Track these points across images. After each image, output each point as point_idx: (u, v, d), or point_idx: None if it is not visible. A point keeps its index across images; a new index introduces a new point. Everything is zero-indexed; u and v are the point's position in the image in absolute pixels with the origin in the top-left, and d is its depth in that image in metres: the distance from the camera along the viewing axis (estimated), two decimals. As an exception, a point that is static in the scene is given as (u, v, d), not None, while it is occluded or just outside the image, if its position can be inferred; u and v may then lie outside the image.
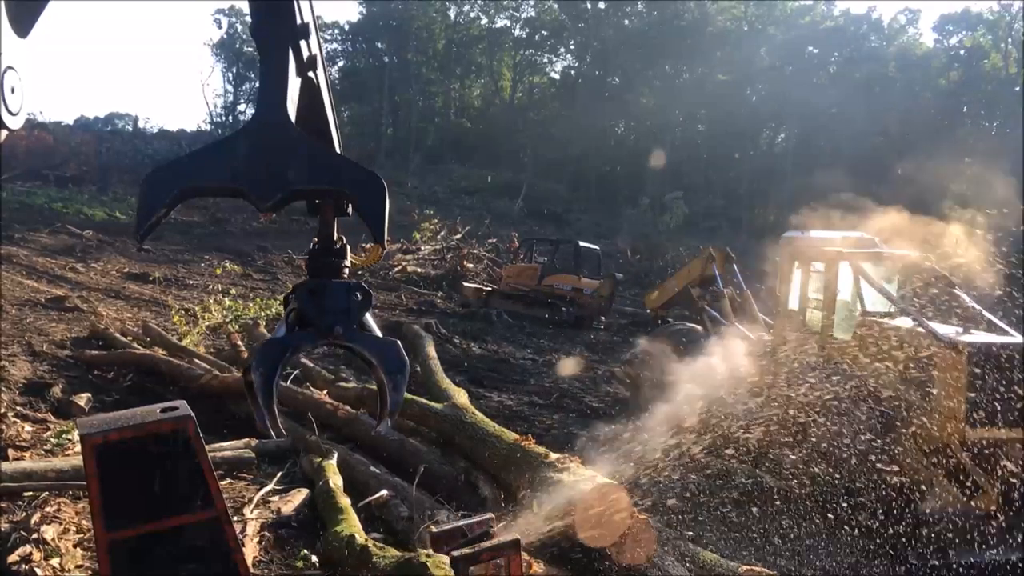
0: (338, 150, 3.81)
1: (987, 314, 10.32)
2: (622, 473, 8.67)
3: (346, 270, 3.47)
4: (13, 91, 1.86)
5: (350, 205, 3.42)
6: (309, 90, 3.53)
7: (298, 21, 3.20)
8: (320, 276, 3.42)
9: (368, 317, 3.46)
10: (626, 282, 32.39)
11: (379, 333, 3.47)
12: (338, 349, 3.61)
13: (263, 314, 18.01)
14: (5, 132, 1.90)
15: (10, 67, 1.85)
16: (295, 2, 3.19)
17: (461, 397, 9.94)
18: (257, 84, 3.30)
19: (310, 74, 3.45)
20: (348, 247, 3.51)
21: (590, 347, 21.86)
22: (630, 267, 38.86)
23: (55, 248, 26.88)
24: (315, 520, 7.08)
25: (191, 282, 24.47)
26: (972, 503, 8.92)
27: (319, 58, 3.49)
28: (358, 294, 3.38)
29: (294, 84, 3.27)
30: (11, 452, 8.06)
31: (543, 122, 73.67)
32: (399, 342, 3.50)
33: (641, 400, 14.05)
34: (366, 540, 5.83)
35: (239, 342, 14.74)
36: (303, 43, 3.26)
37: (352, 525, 6.36)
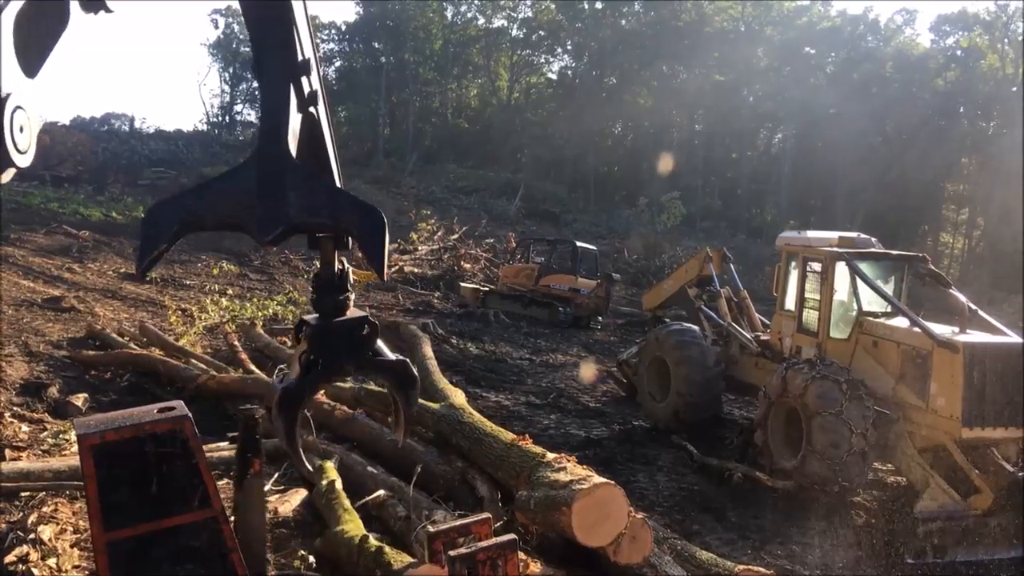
0: (338, 184, 3.86)
1: (983, 313, 10.35)
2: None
3: (351, 302, 3.55)
4: (22, 130, 1.89)
5: (350, 239, 3.49)
6: (310, 124, 3.58)
7: (299, 58, 3.26)
8: (327, 315, 3.50)
9: (379, 343, 3.58)
10: (623, 282, 32.39)
11: (389, 353, 3.55)
12: None
13: (260, 314, 18.01)
14: (13, 170, 1.93)
15: (19, 107, 1.86)
16: (296, 39, 3.23)
17: (458, 397, 9.94)
18: (258, 112, 3.35)
19: (311, 109, 3.49)
20: (350, 272, 3.57)
21: (587, 347, 21.87)
22: (627, 267, 38.84)
23: (51, 248, 26.81)
24: (313, 520, 7.08)
25: (188, 282, 24.45)
26: (968, 502, 8.95)
27: (320, 93, 3.54)
28: (365, 327, 3.50)
29: (295, 119, 3.32)
30: (8, 452, 8.07)
31: (540, 122, 73.61)
32: (408, 360, 3.63)
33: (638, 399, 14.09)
34: (381, 543, 5.82)
35: (236, 342, 14.74)
36: (304, 79, 3.31)
37: (359, 526, 6.36)
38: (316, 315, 3.58)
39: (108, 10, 2.29)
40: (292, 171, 3.17)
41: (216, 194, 3.16)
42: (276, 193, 3.12)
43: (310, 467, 3.74)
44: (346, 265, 3.61)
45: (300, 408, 3.45)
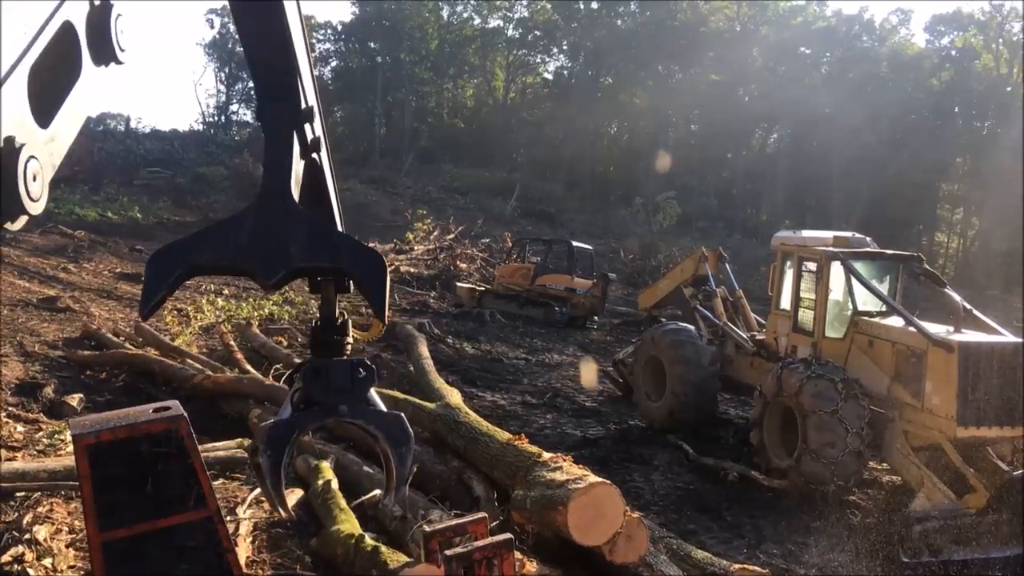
0: (340, 227, 3.94)
1: (977, 313, 10.37)
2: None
3: (348, 346, 3.55)
4: (35, 178, 1.96)
5: (351, 282, 3.51)
6: (312, 169, 3.64)
7: (303, 106, 3.32)
8: (323, 355, 3.50)
9: (373, 392, 3.53)
10: (619, 282, 32.41)
11: (382, 406, 3.53)
12: None
13: (256, 314, 17.99)
14: (26, 217, 2.00)
15: (33, 156, 1.95)
16: (300, 88, 3.29)
17: (454, 397, 9.95)
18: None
19: (313, 155, 3.56)
20: (349, 322, 3.58)
21: (583, 347, 21.88)
22: (623, 267, 38.88)
23: (47, 248, 26.75)
24: (309, 520, 7.07)
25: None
26: (963, 501, 8.97)
27: (322, 140, 3.60)
28: (361, 370, 3.46)
29: (298, 165, 3.38)
30: (3, 452, 8.05)
31: (536, 122, 73.59)
32: (403, 415, 3.57)
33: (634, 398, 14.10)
34: (377, 542, 5.81)
35: (232, 342, 14.73)
36: (307, 126, 3.38)
37: (355, 526, 6.36)
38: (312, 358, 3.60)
39: (119, 62, 2.35)
40: (294, 216, 3.22)
41: (219, 239, 3.19)
42: (279, 238, 3.16)
43: (291, 512, 3.63)
44: (346, 315, 3.63)
45: (288, 446, 3.38)
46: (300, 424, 3.46)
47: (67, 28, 2.07)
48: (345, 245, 3.33)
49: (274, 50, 3.22)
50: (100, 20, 2.20)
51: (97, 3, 2.17)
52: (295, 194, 3.29)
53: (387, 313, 3.36)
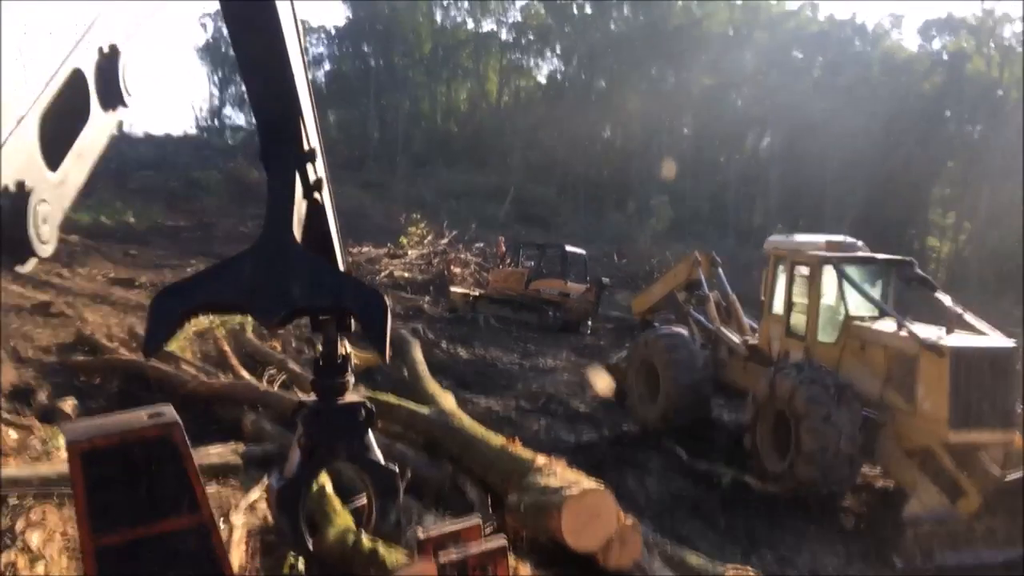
0: (341, 266, 4.04)
1: (969, 317, 10.41)
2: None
3: (350, 385, 3.63)
4: (45, 221, 2.03)
5: (353, 320, 3.57)
6: (313, 209, 3.69)
7: (305, 147, 3.38)
8: (325, 397, 3.58)
9: (371, 436, 3.61)
10: (613, 286, 32.40)
11: (379, 455, 3.59)
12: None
13: (250, 319, 17.94)
14: (36, 260, 2.06)
15: (43, 200, 2.03)
16: (303, 132, 3.34)
17: (448, 401, 9.96)
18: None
19: (315, 195, 3.62)
20: (351, 356, 3.66)
21: (577, 351, 21.86)
22: (617, 271, 38.88)
23: (40, 253, 26.60)
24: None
25: (177, 287, 24.28)
26: (956, 505, 8.99)
27: (324, 180, 3.67)
28: (362, 412, 3.56)
29: (300, 206, 3.43)
30: (-4, 458, 8.02)
31: (530, 126, 73.70)
32: (397, 471, 3.66)
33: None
34: (374, 542, 5.81)
35: (226, 347, 14.70)
36: (309, 167, 3.44)
37: (350, 527, 6.36)
38: (314, 398, 3.65)
39: (126, 105, 2.39)
40: (296, 255, 3.26)
41: (221, 279, 3.23)
42: (280, 277, 3.19)
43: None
44: (348, 348, 3.65)
45: (301, 503, 3.49)
46: (307, 478, 3.58)
47: (77, 74, 2.11)
48: (347, 284, 3.38)
49: (279, 101, 3.26)
50: (108, 66, 2.25)
51: (106, 51, 2.21)
52: (297, 234, 3.33)
53: (388, 351, 3.38)
